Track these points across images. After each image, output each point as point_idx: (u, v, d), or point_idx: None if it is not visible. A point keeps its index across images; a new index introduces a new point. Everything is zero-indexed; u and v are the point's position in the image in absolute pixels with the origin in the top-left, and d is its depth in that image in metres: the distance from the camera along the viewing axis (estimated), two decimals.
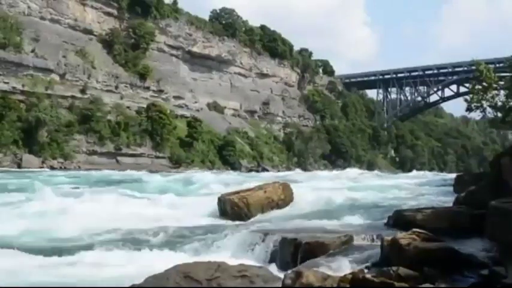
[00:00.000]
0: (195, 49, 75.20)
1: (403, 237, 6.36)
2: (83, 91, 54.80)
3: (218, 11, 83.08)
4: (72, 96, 53.45)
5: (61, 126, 49.10)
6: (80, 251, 8.62)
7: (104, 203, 14.30)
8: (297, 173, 48.29)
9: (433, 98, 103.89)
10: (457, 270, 5.77)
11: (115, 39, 62.68)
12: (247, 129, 77.51)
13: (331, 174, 43.49)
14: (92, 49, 59.49)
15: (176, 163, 58.90)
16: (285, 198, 13.67)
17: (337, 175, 38.70)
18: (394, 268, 5.32)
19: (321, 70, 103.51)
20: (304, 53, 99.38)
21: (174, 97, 69.15)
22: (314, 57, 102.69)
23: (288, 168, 70.01)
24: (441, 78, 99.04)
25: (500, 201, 7.19)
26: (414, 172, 56.65)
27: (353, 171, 48.06)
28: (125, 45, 63.62)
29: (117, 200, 15.48)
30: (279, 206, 13.21)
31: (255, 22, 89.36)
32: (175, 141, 61.90)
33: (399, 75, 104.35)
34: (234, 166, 64.65)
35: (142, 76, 63.94)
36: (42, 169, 41.33)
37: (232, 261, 6.05)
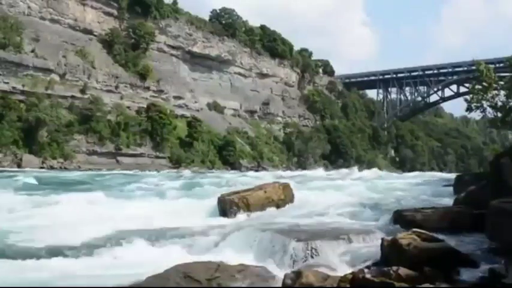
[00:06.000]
0: (195, 49, 75.22)
1: (403, 237, 6.35)
2: (83, 91, 54.78)
3: (218, 11, 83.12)
4: (72, 96, 53.46)
5: (61, 126, 49.13)
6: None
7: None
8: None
9: (433, 98, 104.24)
10: (457, 270, 5.77)
11: (115, 39, 62.69)
12: (247, 129, 77.48)
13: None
14: (92, 49, 59.50)
15: (176, 163, 58.89)
16: (285, 198, 13.66)
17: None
18: (394, 268, 5.31)
19: (321, 70, 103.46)
20: (304, 53, 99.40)
21: (174, 97, 69.13)
22: (314, 57, 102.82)
23: (288, 168, 69.90)
24: (441, 78, 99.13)
25: (500, 201, 7.18)
26: (430, 172, 56.49)
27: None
28: (125, 45, 63.64)
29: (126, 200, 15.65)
30: (279, 206, 13.19)
31: (255, 22, 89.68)
32: (175, 141, 61.89)
33: (399, 75, 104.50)
34: (234, 166, 64.62)
35: (143, 76, 63.96)
36: (42, 169, 41.29)
37: (232, 261, 6.05)
